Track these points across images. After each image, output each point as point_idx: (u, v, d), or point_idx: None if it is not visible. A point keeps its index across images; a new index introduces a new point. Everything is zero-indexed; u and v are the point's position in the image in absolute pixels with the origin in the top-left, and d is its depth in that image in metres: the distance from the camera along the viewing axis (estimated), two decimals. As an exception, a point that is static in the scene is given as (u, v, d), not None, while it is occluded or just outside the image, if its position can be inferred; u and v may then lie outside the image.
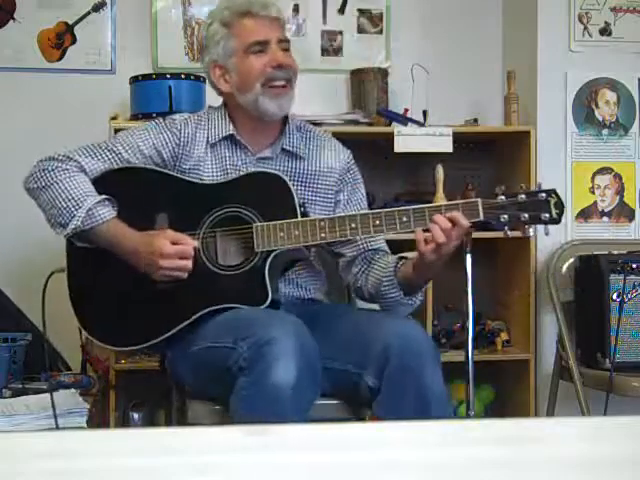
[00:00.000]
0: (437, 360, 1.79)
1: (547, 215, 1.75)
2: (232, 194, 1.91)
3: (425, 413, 1.71)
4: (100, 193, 1.91)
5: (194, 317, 1.87)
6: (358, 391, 1.81)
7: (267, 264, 1.85)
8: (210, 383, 1.83)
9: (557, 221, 1.77)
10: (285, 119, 2.06)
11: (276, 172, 1.94)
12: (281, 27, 2.02)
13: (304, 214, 1.91)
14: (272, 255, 1.86)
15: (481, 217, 1.77)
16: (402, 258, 1.97)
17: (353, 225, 1.82)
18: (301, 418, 1.65)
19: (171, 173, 1.97)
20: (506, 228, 1.77)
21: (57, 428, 2.07)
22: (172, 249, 1.83)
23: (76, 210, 1.85)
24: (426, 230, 1.78)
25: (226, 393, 1.72)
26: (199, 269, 1.87)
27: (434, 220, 1.75)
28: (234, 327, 1.76)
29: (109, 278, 1.93)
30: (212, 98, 2.72)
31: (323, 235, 1.84)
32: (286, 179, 1.92)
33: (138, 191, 1.97)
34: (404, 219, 1.79)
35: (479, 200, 1.78)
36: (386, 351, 1.74)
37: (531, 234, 1.82)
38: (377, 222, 1.81)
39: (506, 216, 1.76)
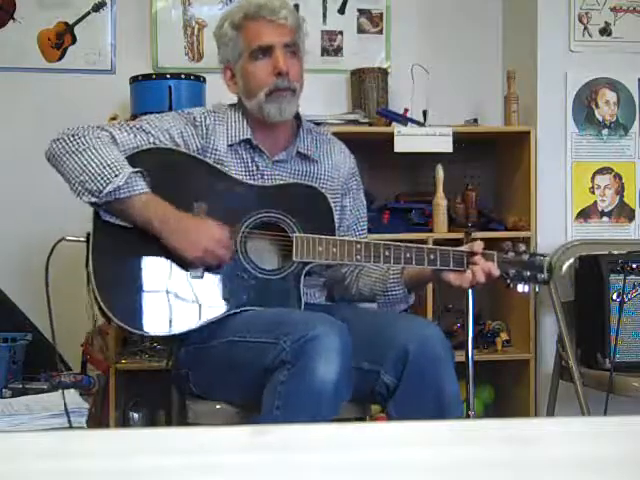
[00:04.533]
0: (453, 362, 1.83)
1: (542, 276, 1.95)
2: (274, 199, 1.94)
3: (442, 417, 1.73)
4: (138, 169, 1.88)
5: (226, 313, 1.86)
6: (372, 389, 1.83)
7: (303, 274, 1.90)
8: (237, 378, 1.82)
9: (547, 282, 1.99)
10: (298, 122, 2.08)
11: (320, 189, 1.99)
12: (290, 32, 1.98)
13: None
14: (308, 266, 1.90)
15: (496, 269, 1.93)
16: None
17: (387, 253, 1.89)
18: (332, 416, 1.67)
19: (214, 165, 1.95)
20: (508, 282, 1.95)
21: (71, 427, 2.06)
22: (222, 235, 1.84)
23: (113, 177, 1.78)
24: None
25: (252, 389, 1.73)
26: (235, 266, 1.88)
27: (475, 261, 1.90)
28: (275, 323, 1.77)
29: (139, 260, 1.87)
30: (212, 98, 2.73)
31: (358, 257, 1.89)
32: (329, 198, 1.98)
33: (180, 175, 1.94)
34: (431, 257, 1.90)
35: (495, 253, 1.92)
36: (405, 352, 1.77)
37: (525, 290, 1.97)
38: (408, 255, 1.90)
39: (513, 271, 1.93)
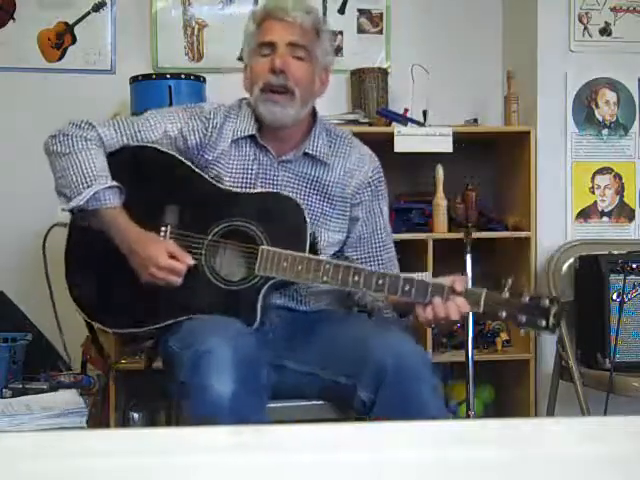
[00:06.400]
0: (433, 379, 1.74)
1: (544, 322, 1.70)
2: (247, 207, 1.88)
3: None
4: (115, 168, 1.89)
5: (176, 320, 1.85)
6: (350, 402, 1.79)
7: (264, 289, 1.83)
8: (173, 386, 1.81)
9: (552, 331, 1.73)
10: (313, 120, 2.01)
11: (295, 199, 1.89)
12: (299, 32, 1.92)
13: (312, 244, 1.87)
14: (271, 281, 1.83)
15: (480, 309, 1.74)
16: None
17: (357, 278, 1.78)
18: (258, 420, 1.64)
19: (192, 167, 1.93)
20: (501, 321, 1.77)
21: (72, 426, 2.07)
22: (167, 263, 1.81)
23: (83, 188, 1.83)
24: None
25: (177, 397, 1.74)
26: (198, 274, 1.85)
27: (434, 302, 1.74)
28: (191, 332, 1.75)
29: (105, 262, 1.90)
30: (212, 98, 2.73)
31: (325, 279, 1.80)
32: (304, 209, 1.87)
33: (155, 176, 1.95)
34: (406, 287, 1.76)
35: (484, 292, 1.74)
36: (381, 369, 1.71)
37: (522, 333, 1.79)
38: (380, 282, 1.77)
39: (504, 313, 1.72)
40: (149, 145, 1.94)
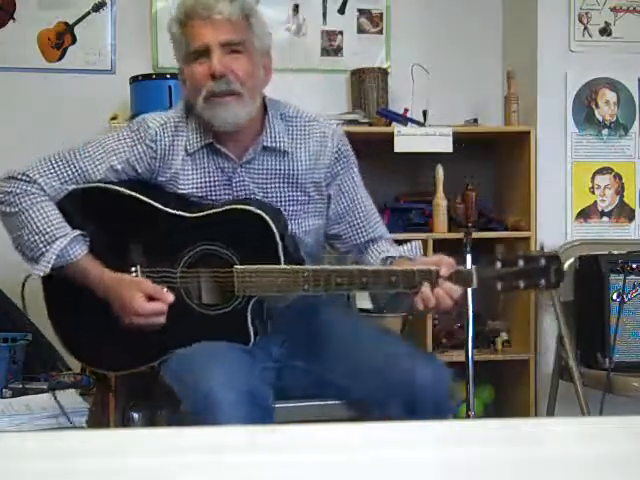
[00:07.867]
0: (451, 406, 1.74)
1: (544, 281, 1.67)
2: (209, 229, 1.80)
3: None
4: (70, 214, 1.82)
5: (168, 357, 1.81)
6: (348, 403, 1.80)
7: (249, 308, 1.78)
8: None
9: (555, 286, 1.69)
10: (265, 109, 1.90)
11: (257, 211, 1.77)
12: (231, 28, 1.79)
13: (287, 250, 1.79)
14: (254, 299, 1.78)
15: (474, 286, 1.71)
16: (388, 258, 1.89)
17: (339, 280, 1.71)
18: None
19: (145, 199, 1.83)
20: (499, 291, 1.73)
21: (72, 426, 2.07)
22: (145, 309, 1.76)
23: (44, 247, 1.77)
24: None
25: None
26: (181, 307, 1.80)
27: (425, 293, 1.68)
28: (186, 371, 1.70)
29: (85, 306, 1.86)
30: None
31: (306, 287, 1.72)
32: (268, 219, 1.76)
33: (113, 216, 1.86)
34: (392, 279, 1.69)
35: (473, 268, 1.71)
36: (413, 393, 1.65)
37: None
38: (364, 279, 1.70)
39: (500, 285, 1.69)
40: (96, 185, 1.85)
